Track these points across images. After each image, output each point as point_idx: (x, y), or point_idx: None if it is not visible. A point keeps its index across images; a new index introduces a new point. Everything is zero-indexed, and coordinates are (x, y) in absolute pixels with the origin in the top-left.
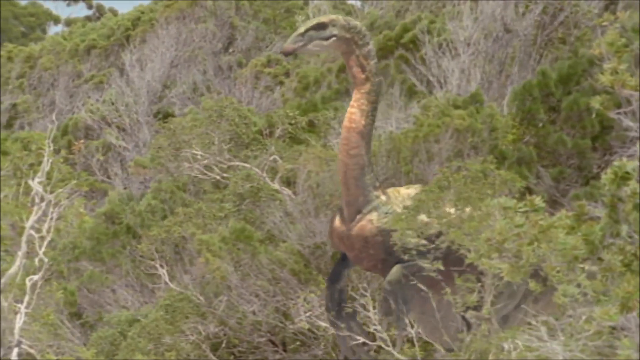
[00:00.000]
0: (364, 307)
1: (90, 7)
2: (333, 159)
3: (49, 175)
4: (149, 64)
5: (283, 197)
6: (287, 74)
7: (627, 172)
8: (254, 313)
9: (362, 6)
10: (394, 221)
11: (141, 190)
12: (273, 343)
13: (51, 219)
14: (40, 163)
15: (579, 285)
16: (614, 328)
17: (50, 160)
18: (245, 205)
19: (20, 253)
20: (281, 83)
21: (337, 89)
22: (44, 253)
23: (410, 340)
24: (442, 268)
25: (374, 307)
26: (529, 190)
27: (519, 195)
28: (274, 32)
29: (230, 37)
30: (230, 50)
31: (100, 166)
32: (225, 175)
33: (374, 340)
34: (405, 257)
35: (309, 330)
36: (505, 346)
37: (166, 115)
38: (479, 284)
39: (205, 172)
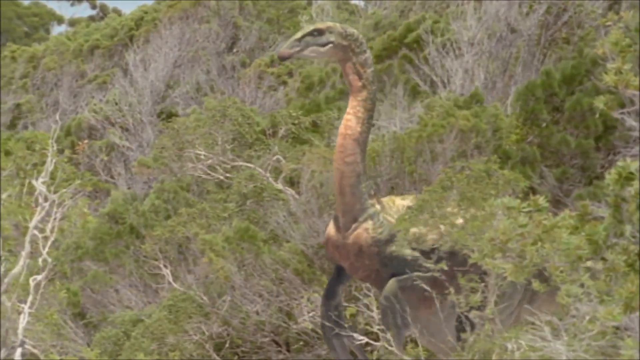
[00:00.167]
0: (367, 307)
1: (94, 7)
2: None
3: (52, 175)
4: (153, 64)
5: (286, 197)
6: (290, 74)
7: (631, 172)
8: (257, 313)
9: (366, 6)
10: (398, 221)
11: (145, 190)
12: (276, 343)
13: (55, 219)
14: (43, 163)
15: (582, 285)
16: (617, 328)
17: (54, 160)
18: (249, 205)
19: (23, 253)
20: (284, 83)
21: (341, 89)
22: (48, 253)
23: (414, 340)
24: (445, 267)
25: (377, 307)
26: (533, 190)
27: (523, 195)
28: (278, 32)
29: (233, 37)
30: (234, 50)
31: (104, 166)
32: (228, 175)
33: (377, 340)
34: (400, 267)
35: (312, 330)
36: (509, 346)
37: (169, 115)
38: (483, 284)
39: (209, 172)
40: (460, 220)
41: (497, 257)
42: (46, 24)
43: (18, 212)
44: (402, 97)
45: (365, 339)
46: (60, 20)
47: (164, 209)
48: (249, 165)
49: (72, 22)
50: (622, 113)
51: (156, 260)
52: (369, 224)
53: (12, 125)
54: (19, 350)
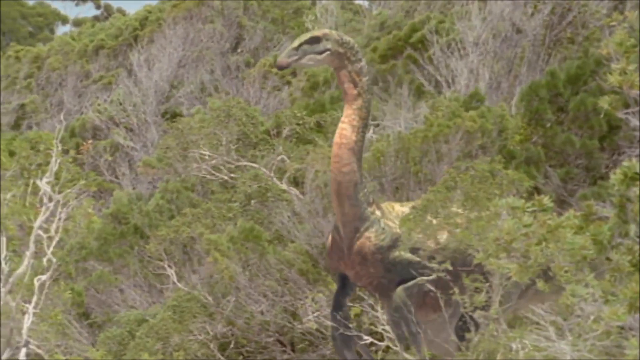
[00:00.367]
0: (372, 307)
1: (98, 7)
2: None
3: (57, 176)
4: (157, 64)
5: (291, 197)
6: (294, 74)
7: (636, 173)
8: (262, 313)
9: (370, 6)
10: (402, 222)
11: (149, 190)
12: (281, 343)
13: (59, 219)
14: (48, 163)
15: (587, 285)
16: (622, 328)
17: (58, 161)
18: (253, 205)
19: (28, 253)
20: (289, 83)
21: None
22: (52, 253)
23: None
24: (450, 267)
25: (382, 307)
26: (537, 190)
27: (527, 195)
28: (282, 32)
29: (238, 37)
30: (238, 50)
31: (108, 166)
32: (233, 175)
33: (382, 340)
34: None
35: (317, 330)
36: (514, 346)
37: (174, 115)
38: (487, 284)
39: (213, 172)
40: (460, 220)
41: (501, 257)
42: (51, 24)
43: (22, 212)
44: (407, 97)
45: (369, 339)
46: (64, 20)
47: (167, 209)
48: (253, 165)
49: (77, 22)
50: (626, 113)
51: (161, 260)
52: (371, 232)
53: (16, 126)
54: (23, 350)
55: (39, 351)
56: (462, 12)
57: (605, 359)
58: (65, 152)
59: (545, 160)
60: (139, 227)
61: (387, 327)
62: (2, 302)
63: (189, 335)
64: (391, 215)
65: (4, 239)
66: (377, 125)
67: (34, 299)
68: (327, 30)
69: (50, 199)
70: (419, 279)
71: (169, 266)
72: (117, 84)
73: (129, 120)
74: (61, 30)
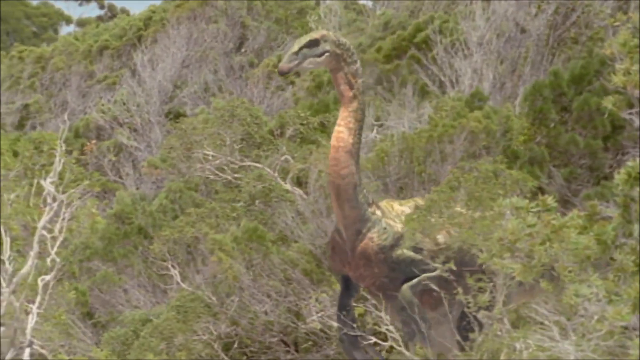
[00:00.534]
0: (375, 307)
1: (102, 6)
2: None
3: (60, 176)
4: (161, 64)
5: (294, 197)
6: (297, 74)
7: None
8: (265, 313)
9: (374, 6)
10: (406, 221)
11: (153, 191)
12: (285, 343)
13: (63, 219)
14: (52, 163)
15: (590, 285)
16: (625, 328)
17: (62, 161)
18: (257, 205)
19: (32, 253)
20: (292, 83)
21: None
22: (56, 253)
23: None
24: (454, 267)
25: (385, 308)
26: (541, 190)
27: (531, 195)
28: (286, 32)
29: (241, 37)
30: (242, 50)
31: (112, 166)
32: (237, 175)
33: (386, 340)
34: (408, 269)
35: (320, 330)
36: (517, 346)
37: (177, 115)
38: (491, 284)
39: (217, 172)
40: (464, 220)
41: (505, 257)
42: (55, 24)
43: (26, 212)
44: (411, 97)
45: (373, 339)
46: (68, 20)
47: (171, 209)
48: (257, 165)
49: (80, 22)
50: (630, 113)
51: (164, 260)
52: (373, 233)
53: (20, 126)
54: (27, 350)
55: (43, 351)
56: (466, 12)
57: (609, 359)
58: (69, 152)
59: (549, 160)
60: (143, 227)
61: (391, 327)
62: (6, 302)
63: (192, 335)
64: (391, 214)
65: (8, 239)
66: (381, 126)
67: (38, 299)
68: (324, 32)
69: (54, 199)
70: (423, 275)
71: (173, 266)
72: (121, 84)
73: (132, 120)
74: (65, 30)
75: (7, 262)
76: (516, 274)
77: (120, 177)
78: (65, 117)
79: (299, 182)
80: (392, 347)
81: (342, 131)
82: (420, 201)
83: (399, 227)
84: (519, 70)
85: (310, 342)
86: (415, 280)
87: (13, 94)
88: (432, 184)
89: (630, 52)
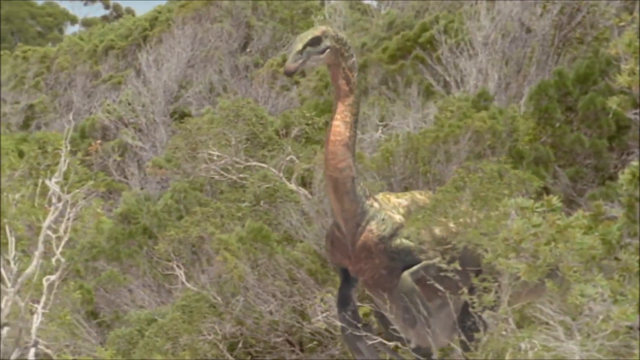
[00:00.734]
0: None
1: (107, 6)
2: None
3: (65, 176)
4: (166, 64)
5: (299, 197)
6: (303, 74)
7: None
8: (271, 313)
9: (378, 6)
10: (411, 221)
11: (158, 191)
12: (290, 343)
13: (68, 219)
14: (57, 163)
15: (595, 285)
16: (630, 328)
17: (67, 161)
18: (262, 205)
19: (37, 253)
20: (297, 83)
21: None
22: (61, 253)
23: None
24: (458, 267)
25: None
26: (546, 190)
27: (536, 195)
28: (291, 32)
29: (246, 37)
30: (247, 50)
31: (117, 166)
32: (242, 175)
33: (390, 339)
34: (409, 258)
35: (325, 330)
36: (522, 346)
37: (182, 116)
38: (496, 284)
39: (222, 172)
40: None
41: (510, 256)
42: (60, 24)
43: (31, 212)
44: (416, 97)
45: (378, 339)
46: (73, 20)
47: (176, 209)
48: (262, 165)
49: (86, 22)
50: (635, 113)
51: (169, 260)
52: (372, 225)
53: (25, 126)
54: (32, 350)
55: (48, 351)
56: (471, 12)
57: (614, 359)
58: (74, 152)
59: (554, 160)
60: (148, 227)
61: (395, 327)
62: (11, 302)
63: (198, 335)
64: (388, 206)
65: (13, 239)
66: (386, 126)
67: (43, 299)
68: (324, 28)
69: (59, 199)
70: (424, 262)
71: (178, 266)
72: (126, 84)
73: (137, 120)
74: (70, 30)
75: (12, 262)
76: (521, 274)
77: (125, 177)
78: (71, 117)
79: (304, 183)
80: (396, 347)
81: (338, 125)
82: (417, 195)
83: (397, 218)
84: (524, 70)
85: (315, 342)
86: (415, 267)
87: (18, 94)
88: (437, 183)
89: (635, 52)
